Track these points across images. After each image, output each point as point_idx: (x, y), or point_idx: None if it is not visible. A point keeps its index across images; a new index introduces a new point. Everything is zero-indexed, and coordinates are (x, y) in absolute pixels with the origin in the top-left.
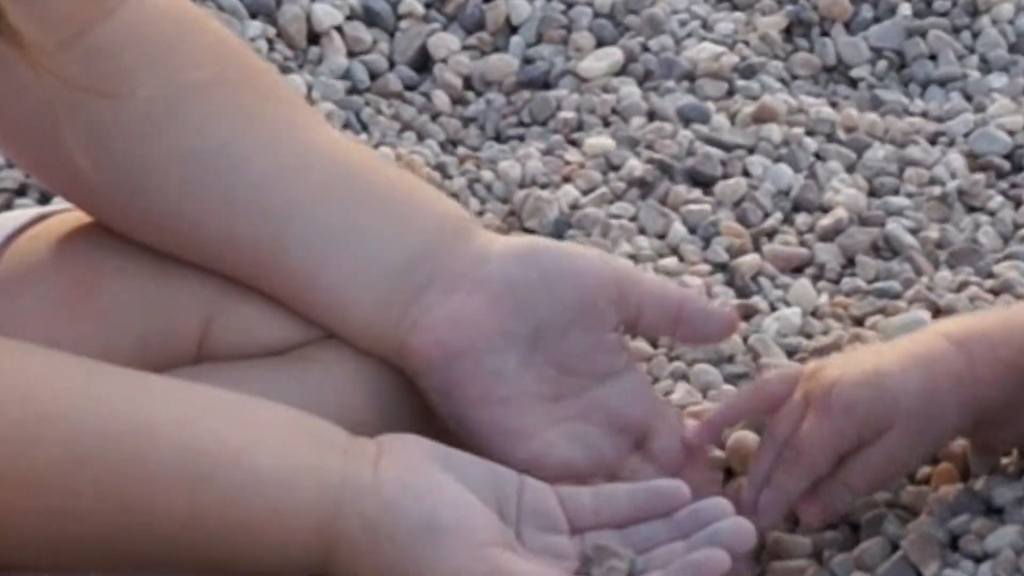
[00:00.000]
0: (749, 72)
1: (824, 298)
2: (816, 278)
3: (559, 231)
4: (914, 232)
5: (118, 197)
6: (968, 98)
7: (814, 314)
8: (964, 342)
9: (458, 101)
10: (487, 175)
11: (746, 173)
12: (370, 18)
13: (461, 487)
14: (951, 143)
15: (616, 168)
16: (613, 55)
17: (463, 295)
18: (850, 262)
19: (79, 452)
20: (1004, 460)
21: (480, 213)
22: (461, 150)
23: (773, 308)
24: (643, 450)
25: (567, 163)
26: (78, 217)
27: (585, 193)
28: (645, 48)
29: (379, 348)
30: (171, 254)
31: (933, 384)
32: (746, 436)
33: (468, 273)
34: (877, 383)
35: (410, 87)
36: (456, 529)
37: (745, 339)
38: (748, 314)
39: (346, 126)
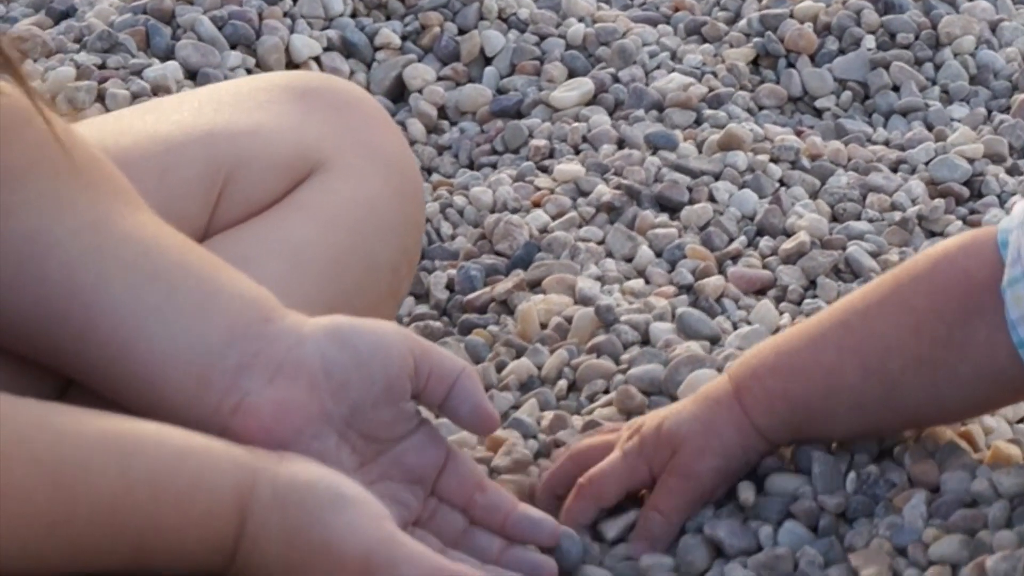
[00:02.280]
0: (716, 102)
1: (786, 319)
2: (779, 299)
3: (529, 254)
4: (875, 255)
5: None
6: (929, 127)
7: (776, 333)
8: (735, 376)
9: (433, 130)
10: (459, 200)
11: (712, 199)
12: (347, 49)
13: None
14: (912, 170)
15: (585, 194)
16: (584, 85)
17: (285, 380)
18: (812, 284)
19: (15, 431)
20: None
21: (452, 237)
22: (435, 177)
23: (736, 328)
24: (436, 493)
25: (538, 189)
26: None
27: (555, 218)
28: (615, 79)
29: (199, 429)
30: None
31: (709, 413)
32: None
33: (286, 358)
34: (661, 424)
35: None
36: (359, 499)
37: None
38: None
39: None
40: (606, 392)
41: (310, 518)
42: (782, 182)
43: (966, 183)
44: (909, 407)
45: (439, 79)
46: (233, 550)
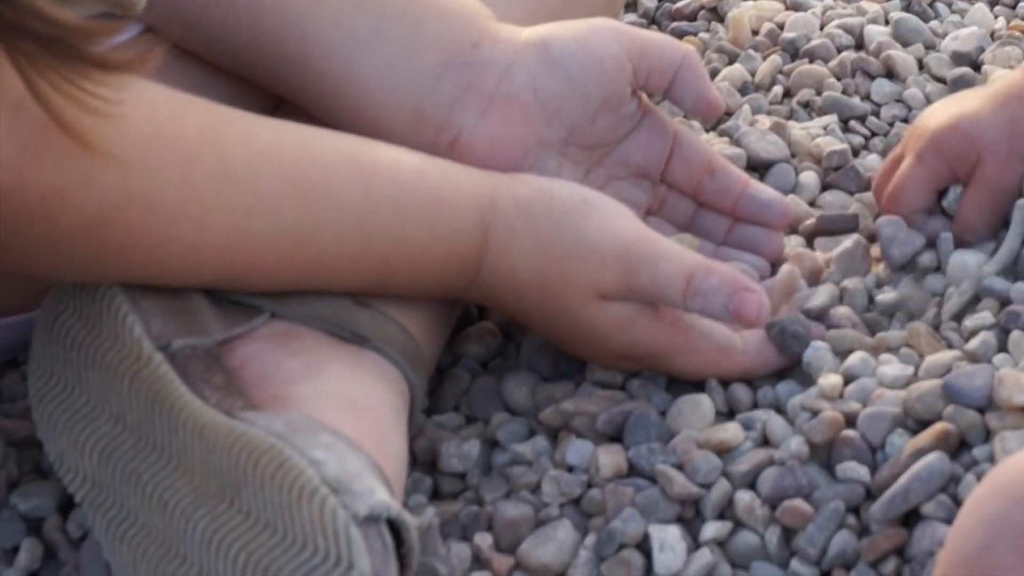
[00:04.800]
0: None
1: (1001, 22)
2: (993, 3)
3: None
4: None
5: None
6: None
7: (992, 37)
8: None
9: None
10: None
11: None
12: None
13: None
14: None
15: None
16: None
17: (498, 114)
18: None
19: (259, 149)
20: None
21: None
22: None
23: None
24: (664, 180)
25: None
26: None
27: None
28: None
29: None
30: (197, 54)
31: (1011, 114)
32: None
33: (497, 90)
34: (958, 124)
35: None
36: (605, 203)
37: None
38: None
39: None
40: (818, 95)
41: (560, 223)
42: None
43: None
44: None
45: None
46: (477, 265)
